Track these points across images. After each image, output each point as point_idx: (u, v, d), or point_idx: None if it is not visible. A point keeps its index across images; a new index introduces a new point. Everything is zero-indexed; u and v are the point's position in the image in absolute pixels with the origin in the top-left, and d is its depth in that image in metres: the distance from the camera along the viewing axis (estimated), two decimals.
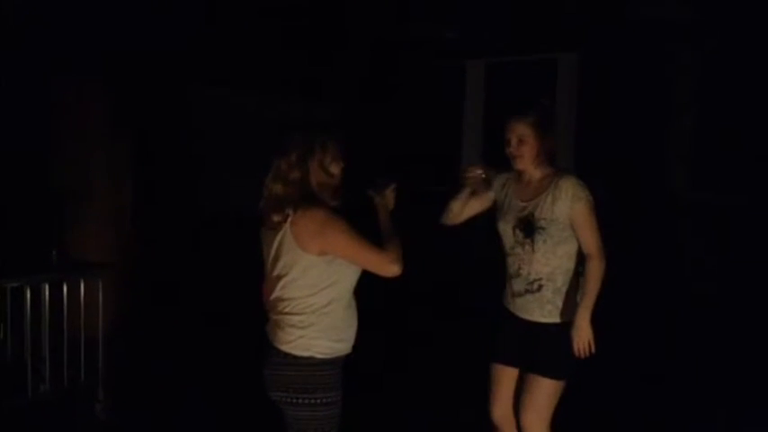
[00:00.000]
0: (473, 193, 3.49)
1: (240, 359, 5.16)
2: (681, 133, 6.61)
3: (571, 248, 3.26)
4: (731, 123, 6.36)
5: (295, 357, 2.71)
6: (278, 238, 2.74)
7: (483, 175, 3.42)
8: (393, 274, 2.70)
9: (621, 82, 6.47)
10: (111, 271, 4.81)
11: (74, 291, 4.52)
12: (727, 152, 6.39)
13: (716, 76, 6.36)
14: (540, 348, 3.29)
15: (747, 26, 6.21)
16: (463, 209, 3.50)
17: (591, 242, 3.20)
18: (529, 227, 3.25)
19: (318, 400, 2.71)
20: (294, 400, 2.71)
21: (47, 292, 4.39)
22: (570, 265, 3.27)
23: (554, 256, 3.24)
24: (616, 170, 6.51)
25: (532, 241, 3.24)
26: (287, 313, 2.76)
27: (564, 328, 3.25)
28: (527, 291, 3.29)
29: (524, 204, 3.30)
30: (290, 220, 2.72)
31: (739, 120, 6.30)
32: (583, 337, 3.18)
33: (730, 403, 4.77)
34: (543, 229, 3.22)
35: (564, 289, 3.27)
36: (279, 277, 2.77)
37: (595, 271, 3.18)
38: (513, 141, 3.31)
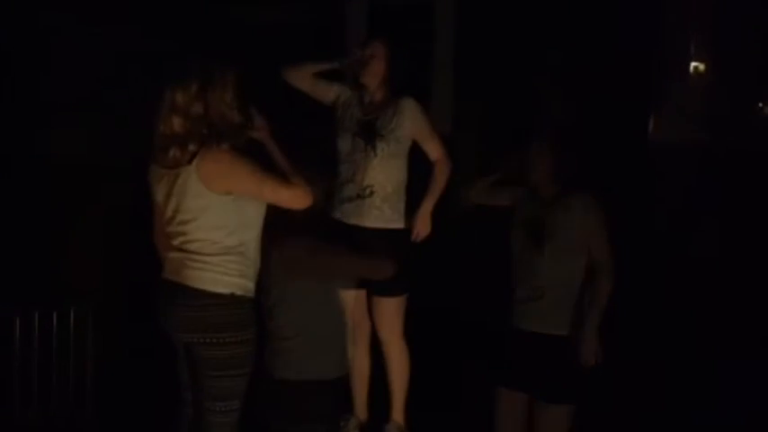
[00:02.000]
0: (502, 182, 3.62)
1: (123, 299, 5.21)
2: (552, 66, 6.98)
3: (574, 263, 3.37)
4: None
5: (212, 294, 2.72)
6: (180, 177, 2.70)
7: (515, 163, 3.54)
8: (304, 205, 2.76)
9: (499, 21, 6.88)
10: (100, 298, 4.76)
11: (63, 319, 4.49)
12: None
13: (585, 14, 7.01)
14: (543, 368, 3.36)
15: None
16: (486, 191, 3.66)
17: (605, 253, 3.34)
18: (537, 232, 3.39)
19: (238, 338, 2.75)
20: (215, 340, 2.72)
21: (36, 322, 4.36)
22: (571, 279, 3.38)
23: (557, 264, 3.34)
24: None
25: (541, 247, 3.36)
26: (205, 254, 2.74)
27: (563, 344, 3.35)
28: (528, 297, 3.39)
29: (537, 214, 3.43)
30: (195, 161, 2.66)
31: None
32: (589, 348, 3.31)
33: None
34: (552, 236, 3.33)
35: (564, 302, 3.37)
36: (186, 220, 2.73)
37: (608, 286, 3.34)
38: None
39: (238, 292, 2.75)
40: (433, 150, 3.71)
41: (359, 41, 3.79)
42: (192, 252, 2.75)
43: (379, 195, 3.65)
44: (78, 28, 6.11)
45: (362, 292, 3.78)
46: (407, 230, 3.69)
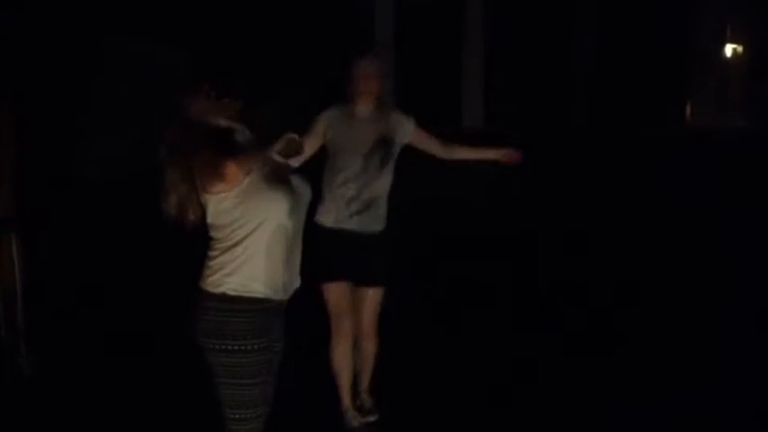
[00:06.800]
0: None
1: (161, 305, 5.31)
2: (581, 68, 7.07)
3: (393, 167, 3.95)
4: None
5: (210, 295, 2.69)
6: None
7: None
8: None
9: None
10: (24, 225, 4.72)
11: None
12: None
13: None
14: (366, 260, 3.90)
15: None
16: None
17: (429, 137, 3.95)
18: (385, 154, 3.85)
19: (237, 347, 2.67)
20: (213, 346, 2.68)
21: None
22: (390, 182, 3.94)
23: (389, 174, 3.90)
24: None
25: (386, 164, 3.86)
26: (209, 254, 2.75)
27: (381, 236, 3.92)
28: (363, 208, 3.85)
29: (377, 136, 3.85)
30: None
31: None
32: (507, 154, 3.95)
33: None
34: (394, 153, 3.89)
35: (384, 203, 3.93)
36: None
37: (457, 145, 3.99)
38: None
39: (231, 292, 2.66)
40: (436, 141, 3.95)
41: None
42: (208, 251, 2.77)
43: (379, 203, 3.91)
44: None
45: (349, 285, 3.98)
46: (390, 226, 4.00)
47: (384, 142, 3.82)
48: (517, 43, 8.30)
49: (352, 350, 4.01)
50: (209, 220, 2.69)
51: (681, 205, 7.92)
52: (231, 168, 2.58)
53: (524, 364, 4.72)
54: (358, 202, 3.82)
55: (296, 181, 2.79)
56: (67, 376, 4.52)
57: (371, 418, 4.05)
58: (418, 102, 9.32)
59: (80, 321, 5.26)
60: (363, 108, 3.82)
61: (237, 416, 2.72)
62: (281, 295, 2.76)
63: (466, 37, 7.90)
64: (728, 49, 12.13)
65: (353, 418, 4.00)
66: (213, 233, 2.71)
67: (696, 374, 4.56)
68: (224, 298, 2.66)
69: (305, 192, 2.83)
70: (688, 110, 10.38)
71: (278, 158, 2.71)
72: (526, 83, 8.78)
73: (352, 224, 3.84)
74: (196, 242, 2.83)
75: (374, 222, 3.88)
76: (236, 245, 2.66)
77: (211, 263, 2.71)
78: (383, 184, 3.87)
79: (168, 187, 2.66)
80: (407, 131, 3.88)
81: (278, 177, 2.71)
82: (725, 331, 5.23)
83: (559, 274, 6.48)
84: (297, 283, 2.84)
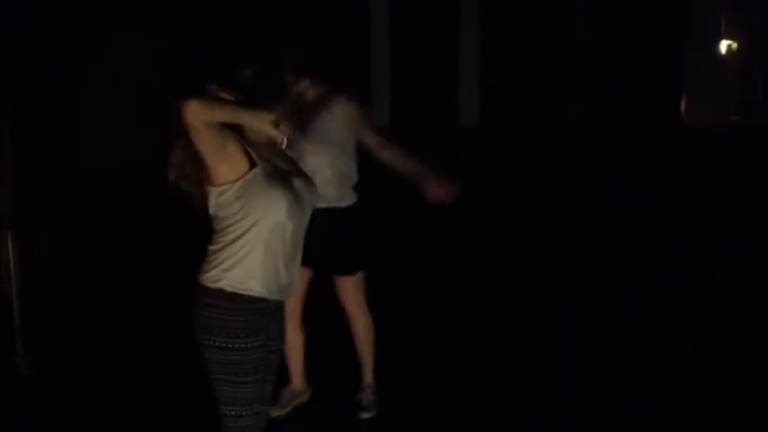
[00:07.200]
0: None
1: (161, 303, 5.25)
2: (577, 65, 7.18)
3: (335, 148, 3.86)
4: None
5: (207, 290, 2.68)
6: None
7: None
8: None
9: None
10: (21, 223, 4.72)
11: None
12: None
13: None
14: (329, 244, 3.79)
15: None
16: None
17: (372, 131, 3.89)
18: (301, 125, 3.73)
19: (232, 344, 2.67)
20: (207, 342, 2.69)
21: None
22: (338, 159, 3.87)
23: (321, 150, 3.81)
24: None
25: (306, 137, 3.76)
26: (210, 248, 2.75)
27: (341, 214, 3.86)
28: None
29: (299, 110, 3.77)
30: None
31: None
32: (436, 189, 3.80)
33: None
34: (313, 127, 3.79)
35: (333, 179, 3.85)
36: None
37: (398, 147, 3.87)
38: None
39: (228, 288, 2.66)
40: (374, 137, 3.88)
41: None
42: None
43: (318, 179, 3.73)
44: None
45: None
46: (353, 208, 3.93)
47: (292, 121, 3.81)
48: (513, 41, 8.33)
49: (297, 332, 4.01)
50: (211, 211, 2.69)
51: (678, 204, 7.95)
52: (194, 107, 2.53)
53: (524, 362, 4.72)
54: None
55: (300, 183, 2.77)
56: (65, 376, 4.50)
57: (366, 415, 4.03)
58: (415, 100, 9.42)
59: (78, 320, 5.25)
60: (309, 91, 3.87)
61: (233, 413, 2.73)
62: (277, 296, 2.75)
63: (462, 34, 7.92)
64: (723, 46, 12.18)
65: (281, 407, 3.97)
66: (215, 225, 2.72)
67: (693, 373, 4.58)
68: (221, 294, 2.65)
69: (309, 194, 2.81)
70: (683, 106, 10.42)
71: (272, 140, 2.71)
72: (522, 81, 8.83)
73: None
74: (196, 238, 2.85)
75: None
76: (235, 240, 2.66)
77: (211, 257, 2.71)
78: (315, 159, 3.76)
79: (174, 167, 2.70)
80: (339, 115, 3.83)
81: (280, 176, 2.71)
82: (725, 331, 5.22)
83: (556, 273, 6.50)
84: (295, 284, 2.83)
